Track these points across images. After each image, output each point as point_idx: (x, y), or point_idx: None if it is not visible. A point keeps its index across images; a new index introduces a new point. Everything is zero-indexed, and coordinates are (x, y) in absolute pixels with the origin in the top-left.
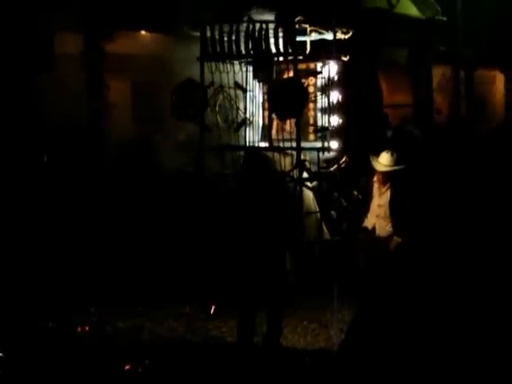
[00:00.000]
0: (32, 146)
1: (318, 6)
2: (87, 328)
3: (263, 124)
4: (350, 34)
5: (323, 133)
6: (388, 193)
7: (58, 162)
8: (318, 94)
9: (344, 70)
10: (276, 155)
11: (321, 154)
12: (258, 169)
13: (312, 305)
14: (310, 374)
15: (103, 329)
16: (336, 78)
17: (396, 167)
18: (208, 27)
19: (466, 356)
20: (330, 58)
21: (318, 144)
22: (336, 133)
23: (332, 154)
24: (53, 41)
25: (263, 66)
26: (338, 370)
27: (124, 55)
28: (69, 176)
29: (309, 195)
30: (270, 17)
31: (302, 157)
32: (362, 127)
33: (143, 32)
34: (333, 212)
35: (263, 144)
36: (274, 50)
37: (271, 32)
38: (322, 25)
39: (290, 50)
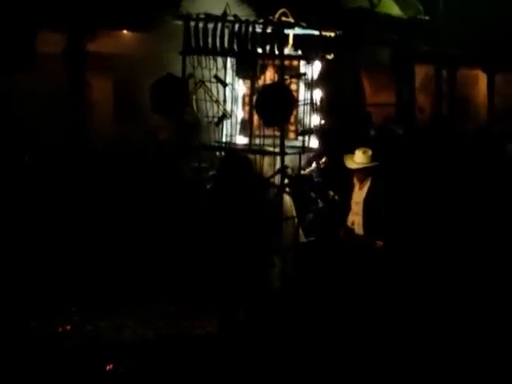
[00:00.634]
0: (13, 145)
1: (300, 5)
2: (68, 327)
3: (242, 118)
4: (338, 33)
5: (306, 134)
6: (365, 190)
7: (40, 160)
8: (301, 92)
9: (327, 68)
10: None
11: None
12: (236, 172)
13: None
14: None
15: (85, 328)
16: (319, 77)
17: (367, 165)
18: (192, 20)
19: None
20: (315, 57)
21: (298, 143)
22: (317, 132)
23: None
24: (35, 39)
25: (246, 63)
26: None
27: (106, 54)
28: (51, 175)
29: (286, 200)
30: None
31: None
32: (345, 127)
33: (125, 31)
34: (308, 213)
35: (242, 138)
36: (259, 48)
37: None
38: (305, 22)
39: (275, 50)
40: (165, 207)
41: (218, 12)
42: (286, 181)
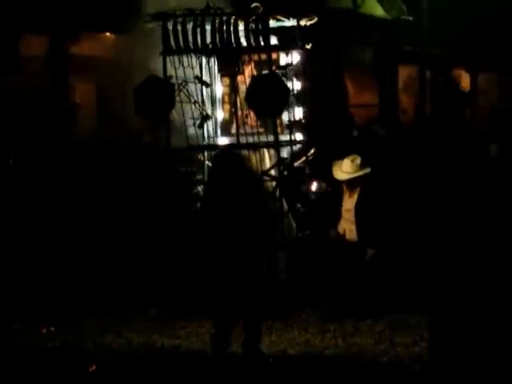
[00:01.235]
0: None
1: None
2: (51, 329)
3: (223, 119)
4: (314, 20)
5: (293, 126)
6: (355, 196)
7: (23, 164)
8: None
9: (307, 59)
10: (245, 152)
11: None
12: (231, 169)
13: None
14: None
15: (68, 329)
16: (300, 68)
17: (358, 174)
18: (170, 19)
19: None
20: (294, 47)
21: (285, 137)
22: (302, 124)
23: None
24: (18, 43)
25: (229, 59)
26: None
27: (89, 57)
28: (34, 178)
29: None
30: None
31: (267, 153)
32: (328, 122)
33: (108, 33)
34: (299, 206)
35: (224, 139)
36: (244, 42)
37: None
38: (283, 13)
39: (261, 43)
40: (150, 211)
41: (193, 6)
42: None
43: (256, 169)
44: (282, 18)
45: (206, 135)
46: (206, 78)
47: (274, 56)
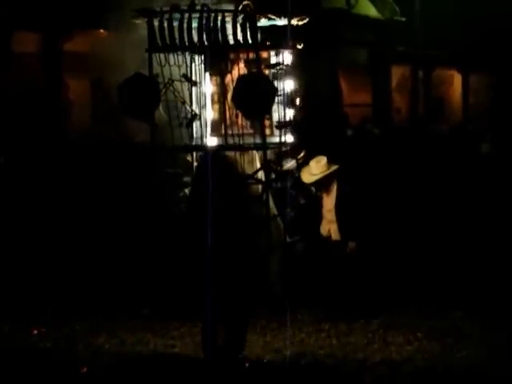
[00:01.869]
0: None
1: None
2: (43, 329)
3: (213, 118)
4: (305, 20)
5: (283, 128)
6: (333, 196)
7: (16, 162)
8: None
9: (299, 58)
10: (233, 154)
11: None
12: (216, 171)
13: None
14: None
15: (60, 330)
16: (291, 67)
17: (324, 173)
18: (156, 16)
19: None
20: (285, 47)
21: (275, 139)
22: (293, 126)
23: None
24: (10, 39)
25: (217, 57)
26: None
27: (82, 54)
28: (26, 176)
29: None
30: (226, 6)
31: (258, 155)
32: (322, 122)
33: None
34: (289, 210)
35: (213, 139)
36: (231, 40)
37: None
38: (275, 12)
39: (249, 41)
40: (140, 211)
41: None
42: (272, 176)
43: (243, 171)
44: (274, 17)
45: (194, 135)
46: (193, 76)
47: (264, 55)
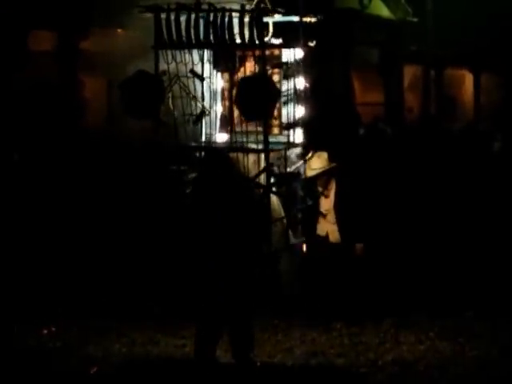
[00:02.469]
0: (2, 143)
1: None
2: (53, 329)
3: (222, 114)
4: (315, 19)
5: (290, 128)
6: (332, 196)
7: (30, 159)
8: (284, 83)
9: (311, 57)
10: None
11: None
12: (219, 172)
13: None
14: None
15: (70, 330)
16: (303, 66)
17: (325, 168)
18: (163, 11)
19: None
20: (296, 45)
21: (283, 138)
22: (302, 126)
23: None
24: (26, 38)
25: (225, 54)
26: None
27: (98, 52)
28: (40, 174)
29: (273, 200)
30: (232, 3)
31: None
32: (333, 122)
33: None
34: (296, 212)
35: (222, 135)
36: (238, 38)
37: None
38: (287, 9)
39: (256, 39)
40: (150, 210)
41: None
42: (273, 180)
43: (247, 172)
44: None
45: (203, 132)
46: (203, 72)
47: (276, 52)
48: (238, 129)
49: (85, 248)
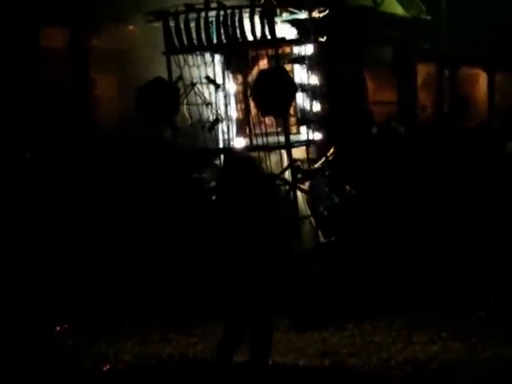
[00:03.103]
0: (15, 141)
1: None
2: (66, 327)
3: (237, 118)
4: (326, 12)
5: (308, 123)
6: None
7: (42, 157)
8: (298, 80)
9: (324, 55)
10: (259, 154)
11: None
12: (243, 173)
13: None
14: None
15: (83, 327)
16: (316, 64)
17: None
18: (171, 16)
19: None
20: (306, 41)
21: (302, 136)
22: (320, 121)
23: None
24: (38, 34)
25: (237, 55)
26: None
27: (110, 49)
28: (51, 173)
29: (299, 198)
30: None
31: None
32: (347, 119)
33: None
34: (322, 210)
35: (240, 139)
36: (250, 37)
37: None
38: (296, 6)
39: (268, 37)
40: (164, 210)
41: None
42: (299, 176)
43: (270, 172)
44: (294, 11)
45: (220, 138)
46: (215, 77)
47: (287, 50)
48: (256, 131)
49: (98, 246)
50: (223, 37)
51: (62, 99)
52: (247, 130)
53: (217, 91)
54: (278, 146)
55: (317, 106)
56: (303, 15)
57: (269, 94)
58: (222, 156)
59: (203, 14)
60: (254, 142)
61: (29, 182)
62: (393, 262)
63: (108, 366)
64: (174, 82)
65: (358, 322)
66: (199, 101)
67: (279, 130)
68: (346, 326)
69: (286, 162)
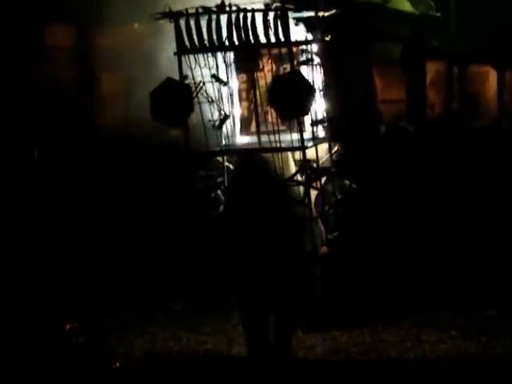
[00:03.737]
0: (22, 140)
1: None
2: (76, 324)
3: (241, 116)
4: (332, 12)
5: (317, 125)
6: None
7: (50, 156)
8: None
9: (331, 53)
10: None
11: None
12: (256, 173)
13: None
14: None
15: (92, 325)
16: (323, 63)
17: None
18: (182, 17)
19: None
20: (315, 40)
21: (307, 134)
22: (327, 122)
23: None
24: (44, 33)
25: (247, 55)
26: None
27: (116, 48)
28: (59, 171)
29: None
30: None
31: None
32: (354, 119)
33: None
34: (327, 208)
35: (244, 138)
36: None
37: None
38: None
39: (282, 38)
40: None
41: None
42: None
43: (280, 172)
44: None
45: (224, 136)
46: (222, 75)
47: (294, 50)
48: (258, 129)
49: (108, 245)
50: (235, 37)
51: (68, 98)
52: (252, 128)
53: (223, 89)
54: (293, 148)
55: (324, 106)
56: (308, 14)
57: (289, 100)
58: (235, 156)
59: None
60: (261, 139)
61: (37, 180)
62: (402, 260)
63: (118, 364)
64: (185, 83)
65: (367, 321)
66: (206, 99)
67: (282, 128)
68: (355, 326)
69: (291, 162)
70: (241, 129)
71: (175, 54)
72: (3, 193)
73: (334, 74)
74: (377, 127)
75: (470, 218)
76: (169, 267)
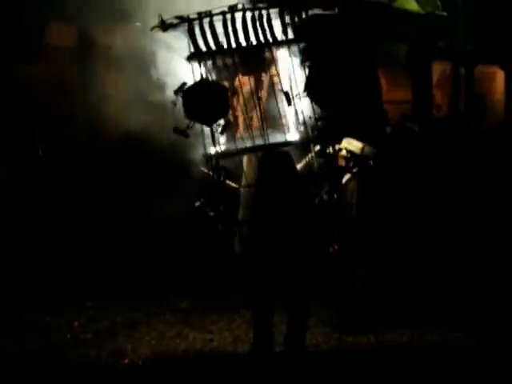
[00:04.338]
0: (26, 138)
1: None
2: (84, 321)
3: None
4: (334, 11)
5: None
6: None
7: (54, 154)
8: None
9: (336, 53)
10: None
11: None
12: (282, 167)
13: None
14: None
15: (100, 322)
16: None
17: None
18: (194, 20)
19: None
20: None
21: (292, 136)
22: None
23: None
24: (44, 31)
25: (255, 57)
26: None
27: (117, 47)
28: (64, 169)
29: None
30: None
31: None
32: (359, 119)
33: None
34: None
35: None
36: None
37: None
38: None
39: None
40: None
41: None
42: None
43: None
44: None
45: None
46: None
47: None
48: (241, 135)
49: (115, 241)
50: (242, 39)
51: (70, 97)
52: (237, 134)
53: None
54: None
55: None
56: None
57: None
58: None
59: (229, 16)
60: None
61: (43, 178)
62: (414, 264)
63: (126, 361)
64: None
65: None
66: None
67: (269, 131)
68: (356, 325)
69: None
70: (227, 134)
71: (188, 59)
72: (11, 190)
73: (339, 73)
74: (382, 128)
75: (479, 217)
76: (176, 265)
